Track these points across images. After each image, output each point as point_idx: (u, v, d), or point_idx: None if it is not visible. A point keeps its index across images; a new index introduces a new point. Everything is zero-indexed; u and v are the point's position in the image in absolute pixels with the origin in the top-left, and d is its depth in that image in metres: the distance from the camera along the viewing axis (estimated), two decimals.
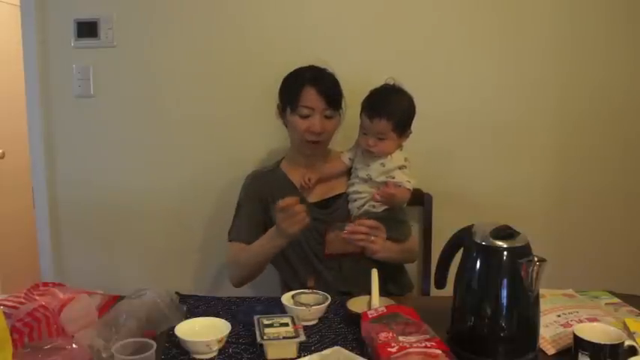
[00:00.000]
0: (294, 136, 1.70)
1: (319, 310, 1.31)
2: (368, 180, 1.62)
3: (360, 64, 1.91)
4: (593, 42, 1.99)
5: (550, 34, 1.98)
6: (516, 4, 1.97)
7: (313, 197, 1.70)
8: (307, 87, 1.62)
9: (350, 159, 1.69)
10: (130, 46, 1.99)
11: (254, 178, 1.76)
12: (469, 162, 2.04)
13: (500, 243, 1.13)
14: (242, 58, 1.98)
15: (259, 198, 1.71)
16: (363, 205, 1.62)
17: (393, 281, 1.68)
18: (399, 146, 1.62)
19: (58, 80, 2.01)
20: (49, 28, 1.99)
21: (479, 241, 1.15)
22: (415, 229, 1.98)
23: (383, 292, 1.39)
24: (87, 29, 1.97)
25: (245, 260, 1.64)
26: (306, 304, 1.31)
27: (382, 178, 1.60)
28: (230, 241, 1.70)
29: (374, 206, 1.61)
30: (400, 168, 1.60)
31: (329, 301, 1.34)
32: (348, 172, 1.70)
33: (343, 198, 1.68)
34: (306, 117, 1.63)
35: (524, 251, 1.13)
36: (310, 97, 1.62)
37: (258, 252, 1.60)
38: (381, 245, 1.54)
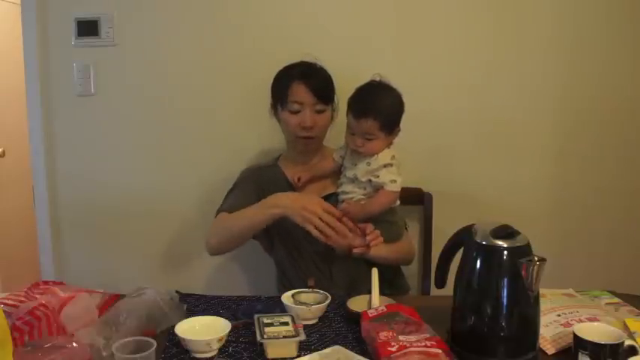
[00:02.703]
0: (287, 133, 1.69)
1: (319, 309, 1.31)
2: (354, 180, 1.58)
3: (359, 62, 1.89)
4: (594, 42, 1.98)
5: (551, 33, 1.98)
6: (517, 3, 1.97)
7: None
8: (296, 82, 1.62)
9: (341, 157, 1.66)
10: (130, 44, 1.99)
11: (252, 171, 1.77)
12: (469, 161, 2.04)
13: (500, 243, 1.13)
14: (243, 55, 1.98)
15: (255, 185, 1.70)
16: None
17: (389, 283, 1.66)
18: (389, 144, 1.58)
19: (58, 79, 2.01)
20: (50, 27, 1.98)
21: (479, 241, 1.15)
22: (415, 229, 1.98)
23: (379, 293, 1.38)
24: (87, 28, 1.97)
25: (231, 222, 1.57)
26: (306, 303, 1.31)
27: (367, 178, 1.56)
28: (218, 213, 1.65)
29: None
30: (385, 166, 1.55)
31: (329, 300, 1.34)
32: (340, 171, 1.67)
33: (335, 197, 1.66)
34: (296, 112, 1.62)
35: (525, 251, 1.13)
36: (299, 91, 1.61)
37: (246, 215, 1.54)
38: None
